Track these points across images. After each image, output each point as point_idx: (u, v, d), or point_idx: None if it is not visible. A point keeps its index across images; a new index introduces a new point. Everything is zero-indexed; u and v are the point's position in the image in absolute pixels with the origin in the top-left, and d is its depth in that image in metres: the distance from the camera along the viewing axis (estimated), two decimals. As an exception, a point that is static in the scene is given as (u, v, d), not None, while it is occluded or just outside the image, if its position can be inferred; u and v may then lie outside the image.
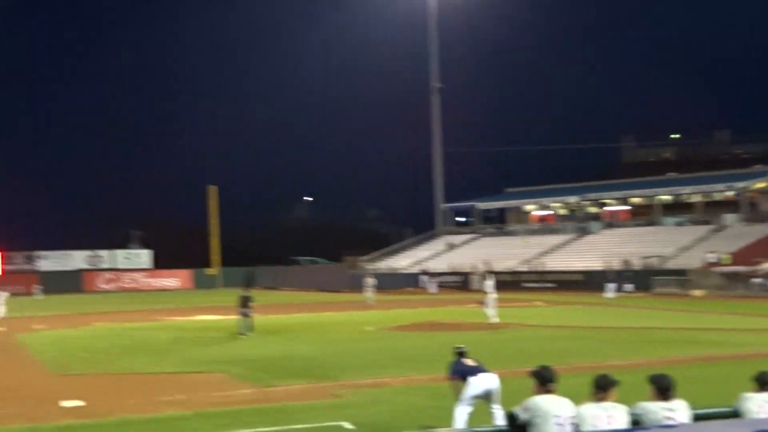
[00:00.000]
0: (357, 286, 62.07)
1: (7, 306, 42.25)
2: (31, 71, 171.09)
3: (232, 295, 62.77)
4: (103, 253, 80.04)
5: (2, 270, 74.99)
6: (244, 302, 29.48)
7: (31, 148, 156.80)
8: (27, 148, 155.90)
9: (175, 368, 20.60)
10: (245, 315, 29.14)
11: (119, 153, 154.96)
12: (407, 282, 64.44)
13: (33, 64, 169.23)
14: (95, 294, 71.56)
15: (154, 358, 22.82)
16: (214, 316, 39.22)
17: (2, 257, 76.09)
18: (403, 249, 79.80)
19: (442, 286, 61.83)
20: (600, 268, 55.35)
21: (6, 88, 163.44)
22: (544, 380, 7.29)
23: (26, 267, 75.93)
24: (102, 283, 76.74)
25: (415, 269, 69.09)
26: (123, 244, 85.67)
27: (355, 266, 72.69)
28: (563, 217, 79.68)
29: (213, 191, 79.01)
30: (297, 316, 37.71)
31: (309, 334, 28.69)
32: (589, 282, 54.48)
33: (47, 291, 65.15)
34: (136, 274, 78.48)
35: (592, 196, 76.35)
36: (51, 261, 77.55)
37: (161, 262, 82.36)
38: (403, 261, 74.46)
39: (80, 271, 77.41)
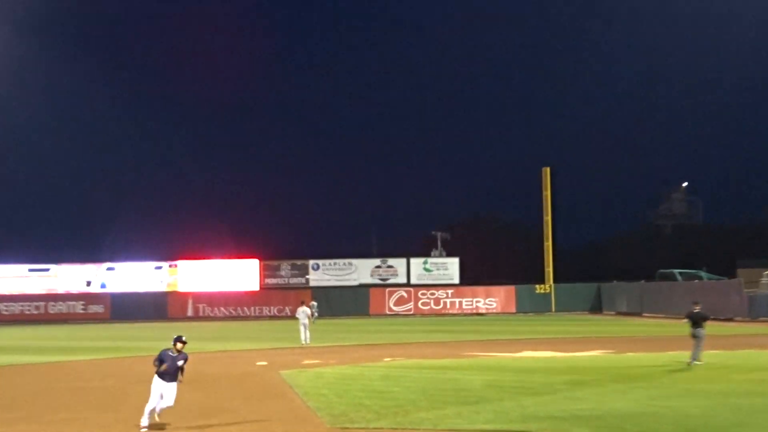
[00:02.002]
0: (758, 312, 59.92)
1: (311, 330, 45.81)
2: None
3: (571, 322, 63.09)
4: (396, 262, 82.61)
5: (261, 285, 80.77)
6: (698, 321, 30.82)
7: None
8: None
9: (492, 424, 20.81)
10: (698, 338, 30.90)
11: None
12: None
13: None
14: (383, 318, 74.56)
15: (462, 409, 23.21)
16: (547, 352, 39.35)
17: (262, 266, 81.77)
18: (831, 259, 76.30)
19: None
20: None
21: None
22: None
23: (296, 281, 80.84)
24: (392, 302, 79.75)
25: None
26: (423, 252, 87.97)
27: (757, 283, 70.26)
28: None
29: (547, 173, 79.68)
30: (666, 355, 36.95)
31: (685, 383, 27.96)
32: None
33: (323, 311, 68.51)
34: (438, 292, 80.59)
35: None
36: (326, 273, 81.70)
37: (470, 276, 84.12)
38: (833, 276, 71.01)
39: (365, 287, 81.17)
